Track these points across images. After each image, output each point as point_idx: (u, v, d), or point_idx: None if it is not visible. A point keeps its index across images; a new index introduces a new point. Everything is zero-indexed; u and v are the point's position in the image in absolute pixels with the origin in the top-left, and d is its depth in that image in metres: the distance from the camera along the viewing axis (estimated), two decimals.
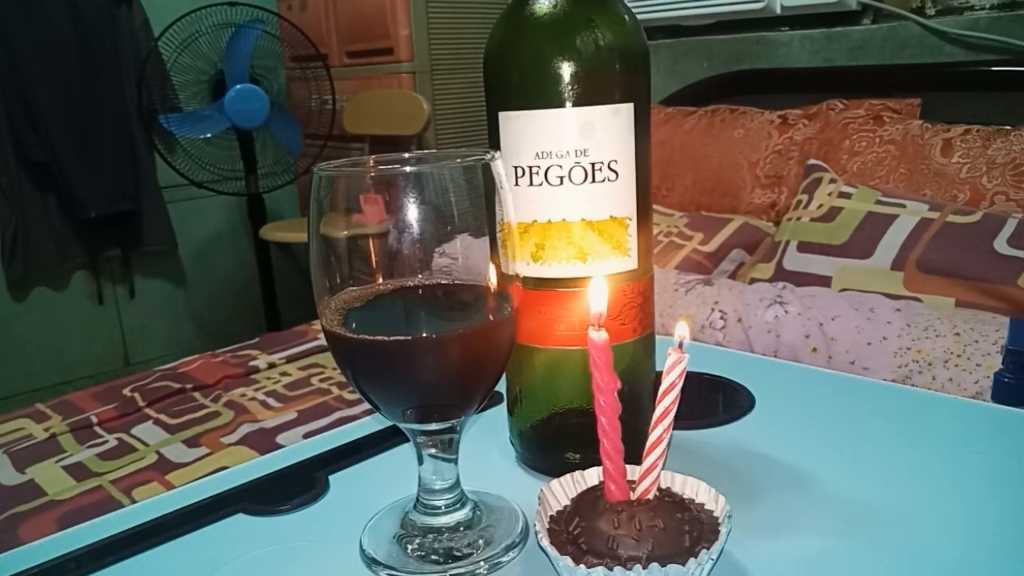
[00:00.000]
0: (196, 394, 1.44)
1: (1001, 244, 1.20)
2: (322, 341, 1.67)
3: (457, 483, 0.43)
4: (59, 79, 2.24)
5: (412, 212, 0.36)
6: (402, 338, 0.36)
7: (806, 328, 1.14)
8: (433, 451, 0.41)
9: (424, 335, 0.37)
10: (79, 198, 2.29)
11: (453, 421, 0.40)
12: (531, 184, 0.42)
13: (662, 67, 2.13)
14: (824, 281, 1.30)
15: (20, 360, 2.34)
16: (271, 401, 1.39)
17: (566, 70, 0.41)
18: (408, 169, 0.36)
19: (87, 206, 2.29)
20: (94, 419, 1.35)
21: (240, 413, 1.34)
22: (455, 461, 0.42)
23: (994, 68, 1.53)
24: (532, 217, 0.43)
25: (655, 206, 1.82)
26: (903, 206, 1.33)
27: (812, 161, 1.54)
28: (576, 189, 0.42)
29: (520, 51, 0.42)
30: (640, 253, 0.44)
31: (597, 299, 0.36)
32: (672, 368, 0.37)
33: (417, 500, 0.43)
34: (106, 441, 1.28)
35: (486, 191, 0.37)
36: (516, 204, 0.43)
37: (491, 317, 0.39)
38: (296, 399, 1.39)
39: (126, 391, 1.47)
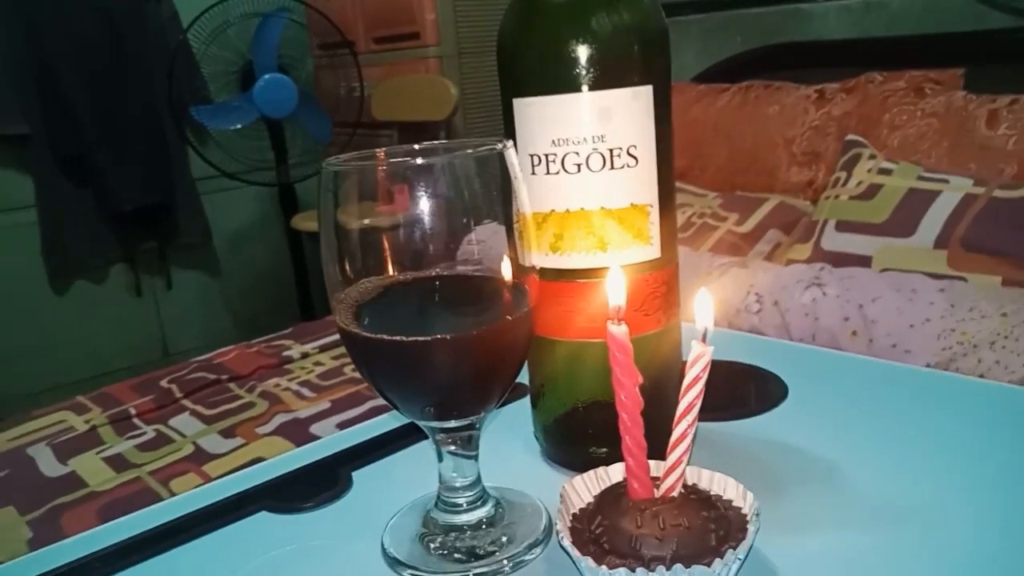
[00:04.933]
0: (231, 385, 1.45)
1: None
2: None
3: (478, 480, 0.42)
4: (90, 74, 2.26)
5: (423, 205, 0.35)
6: (418, 338, 0.35)
7: (845, 311, 1.11)
8: (453, 448, 0.40)
9: (440, 335, 0.36)
10: (113, 192, 2.32)
11: (472, 418, 0.39)
12: (548, 172, 0.41)
13: (693, 43, 2.09)
14: (864, 261, 1.26)
15: (61, 352, 2.39)
16: (305, 391, 1.40)
17: (581, 53, 0.39)
18: (419, 161, 0.35)
19: (121, 199, 2.33)
20: (132, 411, 1.37)
21: (274, 403, 1.35)
22: (475, 457, 0.41)
23: None
24: (550, 207, 0.41)
25: (688, 186, 1.79)
26: (946, 182, 1.28)
27: (850, 136, 1.49)
28: (594, 176, 0.40)
29: (533, 35, 0.41)
30: (663, 241, 0.42)
31: (615, 291, 0.35)
32: (696, 361, 0.35)
33: (438, 497, 0.42)
34: (144, 433, 1.30)
35: (500, 181, 0.36)
36: (533, 193, 0.42)
37: (509, 314, 0.38)
38: (329, 389, 1.40)
39: (163, 382, 1.49)
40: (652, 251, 0.42)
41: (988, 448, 0.47)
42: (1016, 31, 1.52)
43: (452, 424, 0.39)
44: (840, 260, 1.29)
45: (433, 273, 0.38)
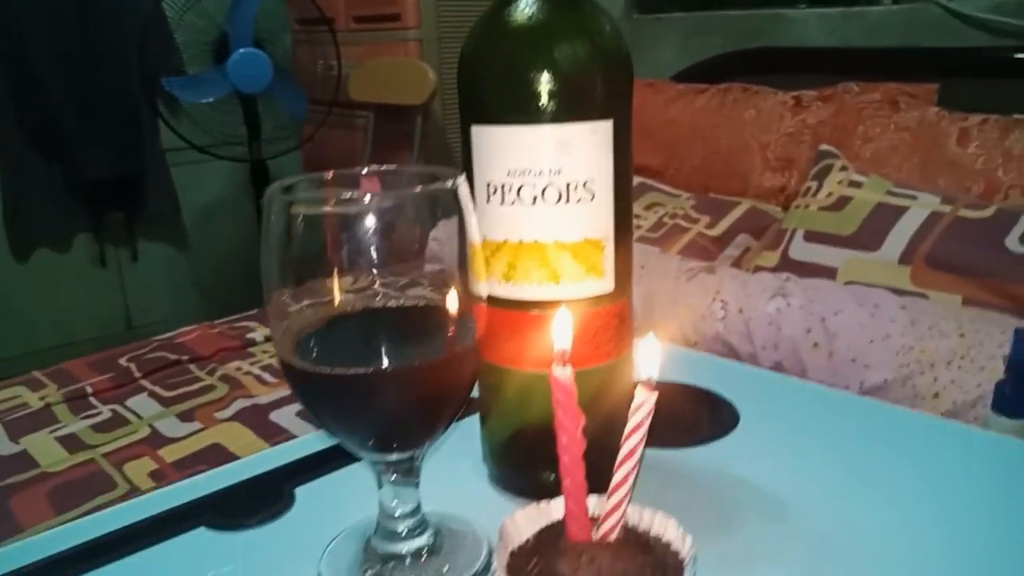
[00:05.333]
0: (192, 366, 1.43)
1: (1013, 241, 1.16)
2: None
3: (418, 508, 0.42)
4: (59, 39, 2.20)
5: (370, 240, 0.34)
6: (357, 371, 0.35)
7: (808, 322, 1.12)
8: (393, 477, 0.40)
9: (381, 369, 0.35)
10: (80, 161, 2.27)
11: (414, 451, 0.39)
12: (503, 203, 0.40)
13: (674, 42, 2.08)
14: (830, 273, 1.27)
15: (22, 322, 2.34)
16: (267, 376, 1.38)
17: (541, 84, 0.38)
18: (368, 200, 0.34)
19: (88, 169, 2.28)
20: (89, 389, 1.35)
21: (235, 388, 1.34)
22: (416, 485, 0.41)
23: (1016, 55, 1.47)
24: (504, 236, 0.41)
25: (662, 185, 1.79)
26: (914, 198, 1.29)
27: (824, 147, 1.50)
28: (549, 209, 0.40)
29: (493, 62, 0.40)
30: (617, 274, 0.42)
31: (562, 333, 0.35)
32: (639, 407, 0.35)
33: (378, 524, 0.42)
34: (100, 412, 1.28)
35: (452, 215, 0.35)
36: (488, 222, 0.41)
37: (454, 348, 0.37)
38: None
39: (122, 360, 1.47)
40: (605, 285, 0.42)
41: (937, 483, 0.48)
42: (991, 49, 1.53)
43: (394, 457, 0.38)
44: (807, 270, 1.30)
45: (377, 302, 0.37)
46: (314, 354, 0.36)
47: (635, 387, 0.35)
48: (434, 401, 0.37)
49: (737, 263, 1.56)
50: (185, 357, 1.46)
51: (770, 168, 1.71)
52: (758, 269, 1.39)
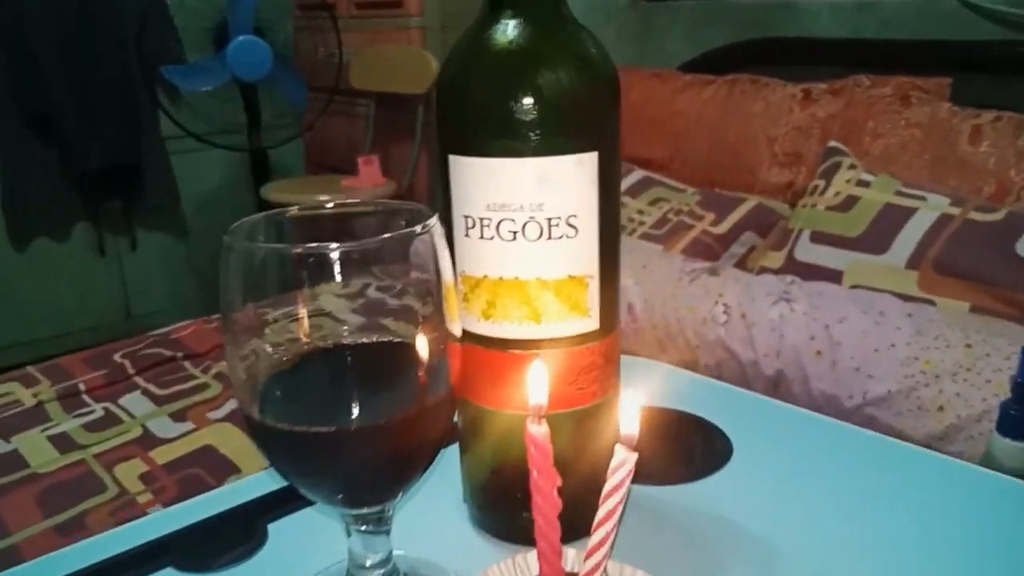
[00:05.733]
0: (187, 363, 1.42)
1: (1023, 247, 1.13)
2: (317, 306, 1.64)
3: (389, 557, 0.39)
4: (59, 27, 2.18)
5: (335, 287, 0.32)
6: (320, 430, 0.32)
7: (811, 329, 1.09)
8: (363, 527, 0.38)
9: (347, 426, 0.33)
10: (79, 150, 2.25)
11: (384, 504, 0.37)
12: (482, 237, 0.38)
13: (682, 31, 2.04)
14: (835, 276, 1.25)
15: (20, 310, 2.33)
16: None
17: (520, 115, 0.35)
18: (334, 249, 0.32)
19: (87, 158, 2.26)
20: (82, 387, 1.33)
21: (229, 387, 1.32)
22: (388, 532, 0.39)
23: None
24: (483, 272, 0.38)
25: (667, 179, 1.76)
26: (924, 199, 1.26)
27: (832, 143, 1.47)
28: (530, 246, 0.37)
29: (470, 90, 0.37)
30: (603, 312, 0.40)
31: (537, 388, 0.32)
32: (619, 467, 0.33)
33: (348, 573, 0.40)
34: (93, 411, 1.26)
35: (423, 258, 0.33)
36: (467, 256, 0.39)
37: (425, 398, 0.35)
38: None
39: (117, 356, 1.45)
40: (590, 323, 0.39)
41: (938, 526, 0.45)
42: (1006, 43, 1.49)
43: (363, 510, 0.36)
44: (812, 272, 1.27)
45: (344, 347, 0.35)
46: (275, 408, 0.34)
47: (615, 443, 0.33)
48: (405, 456, 0.35)
49: (742, 262, 1.53)
50: (180, 354, 1.44)
51: (778, 163, 1.67)
52: (763, 270, 1.36)
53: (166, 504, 1.04)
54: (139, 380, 1.36)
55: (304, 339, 0.35)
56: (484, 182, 0.37)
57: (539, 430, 0.32)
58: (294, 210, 0.36)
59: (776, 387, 1.13)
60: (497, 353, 0.39)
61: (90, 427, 1.22)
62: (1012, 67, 1.47)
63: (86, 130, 2.27)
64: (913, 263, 1.19)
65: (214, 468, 1.10)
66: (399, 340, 0.36)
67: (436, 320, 0.35)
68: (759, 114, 1.70)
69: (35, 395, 1.32)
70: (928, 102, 1.47)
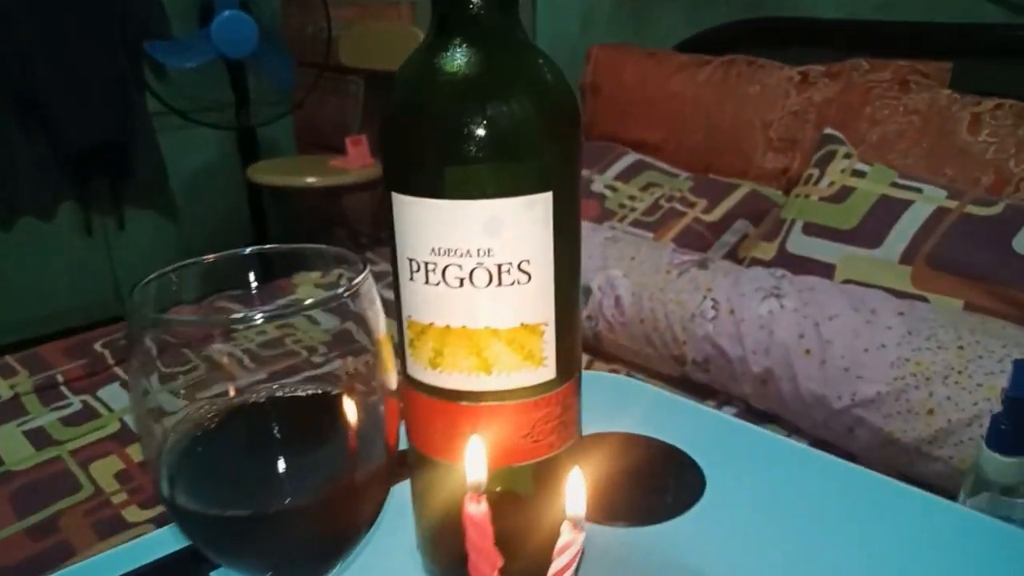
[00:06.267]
0: None
1: (1020, 243, 1.10)
2: (298, 298, 1.62)
3: None
4: (42, 3, 2.12)
5: (256, 353, 0.30)
6: (237, 513, 0.30)
7: (801, 327, 1.07)
8: None
9: (267, 510, 0.30)
10: (64, 127, 2.20)
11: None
12: (427, 282, 0.35)
13: (678, 9, 1.99)
14: (827, 269, 1.22)
15: (8, 292, 2.31)
16: (246, 360, 1.34)
17: (464, 153, 0.32)
18: (259, 318, 0.29)
19: (73, 135, 2.21)
20: (60, 378, 1.31)
21: (213, 370, 1.30)
22: None
23: None
24: (429, 319, 0.36)
25: (661, 163, 1.72)
26: (919, 191, 1.23)
27: (828, 131, 1.43)
28: (478, 293, 0.34)
29: (410, 124, 0.34)
30: (560, 360, 0.37)
31: (475, 466, 0.30)
32: (565, 548, 0.30)
33: None
34: (70, 404, 1.24)
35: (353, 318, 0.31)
36: (412, 301, 0.36)
37: (356, 468, 0.32)
38: (269, 360, 1.35)
39: (97, 346, 1.43)
40: (545, 372, 0.37)
41: (926, 563, 0.43)
42: (1009, 27, 1.45)
43: None
44: (803, 265, 1.25)
45: (265, 410, 0.33)
46: (191, 488, 0.32)
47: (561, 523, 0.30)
48: (338, 533, 0.32)
49: (733, 251, 1.50)
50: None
51: (772, 148, 1.63)
52: (754, 262, 1.33)
53: (140, 505, 1.02)
54: (118, 370, 1.34)
55: (219, 401, 0.32)
56: (428, 224, 0.34)
57: (478, 509, 0.29)
58: (211, 257, 0.34)
59: (764, 384, 1.11)
60: (445, 404, 0.37)
61: (67, 421, 1.20)
62: (1015, 52, 1.43)
63: (72, 108, 2.23)
64: (907, 258, 1.16)
65: None
66: (328, 402, 0.34)
67: (368, 378, 0.32)
68: (755, 97, 1.66)
69: (12, 387, 1.30)
70: (927, 88, 1.43)
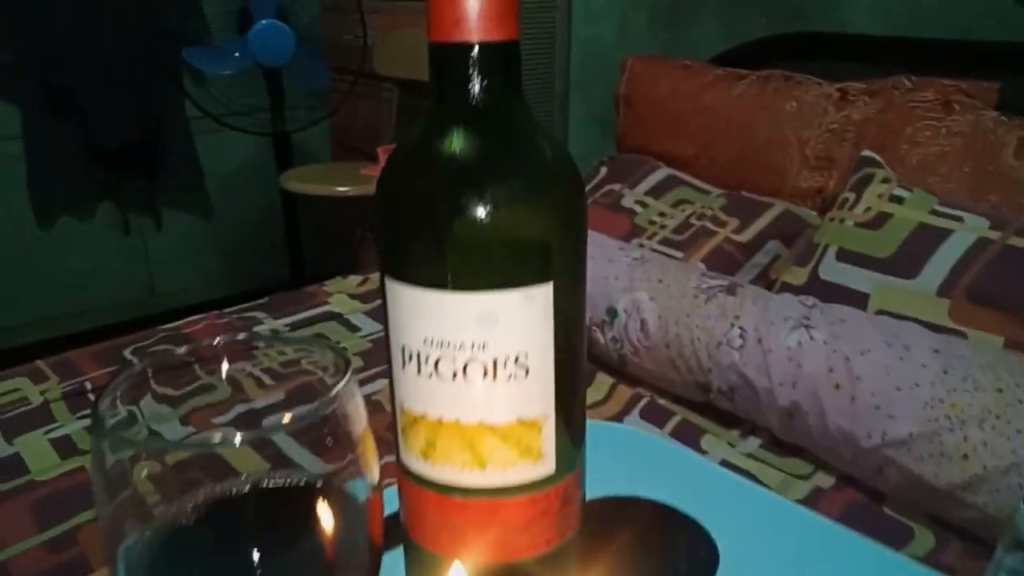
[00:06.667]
0: (195, 364, 1.40)
1: None
2: (331, 307, 1.62)
3: None
4: (82, 4, 2.15)
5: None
6: None
7: (831, 361, 1.04)
8: None
9: None
10: (103, 128, 2.24)
11: None
12: (419, 372, 0.34)
13: (714, 20, 1.95)
14: (860, 299, 1.18)
15: (47, 287, 2.35)
16: (266, 379, 1.35)
17: (458, 243, 0.31)
18: (238, 440, 0.28)
19: (110, 136, 2.25)
20: (88, 385, 1.33)
21: (238, 390, 1.30)
22: None
23: None
24: (422, 409, 0.34)
25: (693, 179, 1.70)
26: (960, 219, 1.19)
27: (866, 153, 1.39)
28: (472, 387, 0.33)
29: (403, 210, 0.33)
30: (559, 454, 0.35)
31: None
32: None
33: None
34: None
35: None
36: (405, 389, 0.35)
37: (340, 568, 0.31)
38: (288, 377, 1.35)
39: (127, 352, 1.44)
40: (543, 468, 0.35)
41: None
42: None
43: None
44: (836, 293, 1.21)
45: (240, 503, 0.32)
46: None
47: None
48: None
49: (765, 271, 1.47)
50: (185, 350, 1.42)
51: (808, 167, 1.60)
52: (784, 287, 1.30)
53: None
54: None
55: (189, 505, 0.31)
56: (419, 314, 0.33)
57: None
58: (184, 348, 0.33)
59: (791, 418, 1.08)
60: (438, 496, 0.35)
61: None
62: None
63: (109, 108, 2.26)
64: (945, 291, 1.12)
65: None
66: (308, 501, 0.32)
67: (350, 475, 0.31)
68: (791, 114, 1.62)
69: (42, 392, 1.32)
70: (972, 109, 1.38)
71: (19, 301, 2.33)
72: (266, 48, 2.00)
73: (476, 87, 0.31)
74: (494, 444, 0.34)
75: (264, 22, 1.97)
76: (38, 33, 2.17)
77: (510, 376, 0.33)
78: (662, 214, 1.60)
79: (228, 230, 2.63)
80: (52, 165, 2.26)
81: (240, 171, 2.60)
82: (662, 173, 1.71)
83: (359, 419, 0.31)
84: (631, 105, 1.92)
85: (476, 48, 0.30)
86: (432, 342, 0.33)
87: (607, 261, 1.32)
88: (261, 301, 1.67)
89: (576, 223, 0.34)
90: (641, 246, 1.51)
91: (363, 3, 2.18)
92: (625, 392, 1.27)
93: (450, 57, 0.31)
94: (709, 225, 1.53)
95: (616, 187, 1.72)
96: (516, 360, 0.33)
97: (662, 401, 1.24)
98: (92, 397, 1.30)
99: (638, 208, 1.63)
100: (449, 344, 0.32)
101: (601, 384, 1.30)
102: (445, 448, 0.34)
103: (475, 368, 0.33)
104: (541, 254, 0.32)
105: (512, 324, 0.32)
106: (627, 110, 1.93)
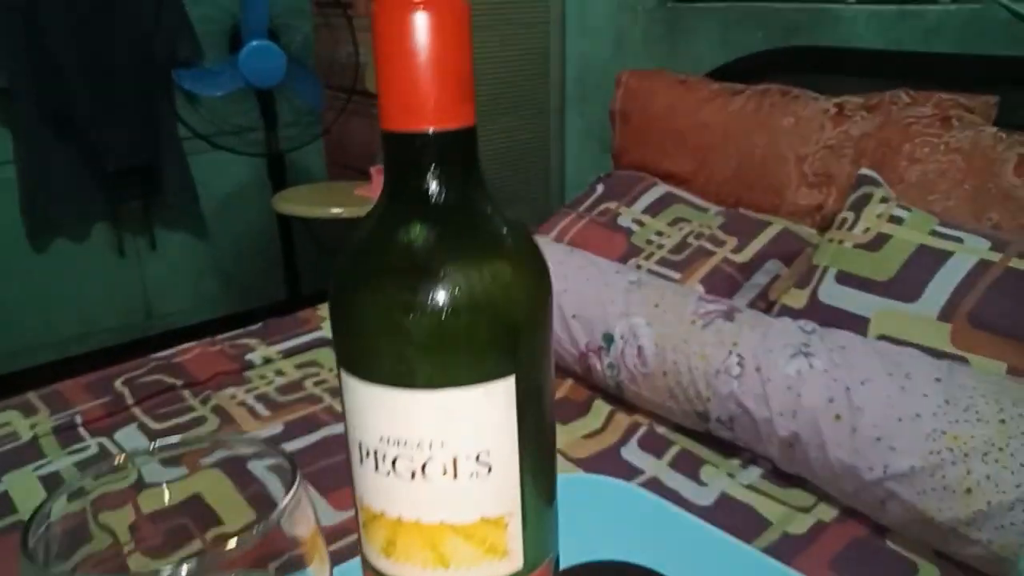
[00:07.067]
0: (186, 392, 1.39)
1: None
2: (324, 333, 1.60)
3: None
4: (77, 27, 2.14)
5: None
6: None
7: (831, 391, 1.02)
8: None
9: None
10: (98, 149, 2.23)
11: None
12: (376, 470, 0.32)
13: (711, 35, 1.94)
14: (860, 323, 1.16)
15: (43, 310, 2.34)
16: (259, 408, 1.33)
17: (410, 338, 0.29)
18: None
19: (106, 157, 2.23)
20: (79, 419, 1.31)
21: (226, 422, 1.29)
22: None
23: None
24: (380, 507, 0.32)
25: (691, 196, 1.68)
26: (960, 241, 1.17)
27: (864, 171, 1.37)
28: (432, 486, 0.31)
29: (354, 302, 0.31)
30: (527, 550, 0.33)
31: None
32: None
33: None
34: (87, 447, 1.24)
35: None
36: (363, 485, 0.33)
37: None
38: (286, 406, 1.33)
39: (118, 384, 1.43)
40: (511, 565, 0.33)
41: None
42: None
43: None
44: (835, 317, 1.19)
45: None
46: None
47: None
48: None
49: (764, 292, 1.45)
50: (180, 382, 1.41)
51: (807, 183, 1.58)
52: (784, 309, 1.28)
53: (146, 552, 1.01)
54: (137, 411, 1.34)
55: None
56: (375, 411, 0.31)
57: None
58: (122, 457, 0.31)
59: (791, 448, 1.06)
60: None
61: (82, 466, 1.19)
62: None
63: (105, 130, 2.25)
64: (946, 315, 1.10)
65: (199, 519, 1.07)
66: None
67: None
68: (789, 130, 1.60)
69: (32, 427, 1.30)
70: (971, 125, 1.36)
71: (14, 326, 2.31)
72: (257, 69, 1.99)
73: (432, 177, 0.29)
74: (457, 543, 0.32)
75: (255, 43, 1.96)
76: (30, 57, 2.16)
77: (472, 474, 0.31)
78: (659, 233, 1.58)
79: (224, 251, 2.62)
80: (46, 189, 2.25)
81: (235, 191, 2.58)
82: (659, 190, 1.69)
83: (309, 526, 0.29)
84: (627, 120, 1.90)
85: (431, 137, 0.28)
86: (389, 440, 0.31)
87: (603, 284, 1.30)
88: (253, 328, 1.66)
89: (540, 313, 0.32)
90: (638, 267, 1.49)
91: (355, 21, 2.17)
92: (623, 420, 1.25)
93: (404, 146, 0.29)
94: (707, 245, 1.51)
95: (613, 205, 1.70)
96: (477, 458, 0.31)
97: (661, 429, 1.22)
98: (82, 431, 1.28)
99: (635, 227, 1.61)
100: (406, 443, 0.30)
101: (599, 411, 1.28)
102: (406, 547, 0.32)
103: (434, 467, 0.31)
104: (503, 348, 0.30)
105: (472, 421, 0.30)
106: (623, 126, 1.91)
